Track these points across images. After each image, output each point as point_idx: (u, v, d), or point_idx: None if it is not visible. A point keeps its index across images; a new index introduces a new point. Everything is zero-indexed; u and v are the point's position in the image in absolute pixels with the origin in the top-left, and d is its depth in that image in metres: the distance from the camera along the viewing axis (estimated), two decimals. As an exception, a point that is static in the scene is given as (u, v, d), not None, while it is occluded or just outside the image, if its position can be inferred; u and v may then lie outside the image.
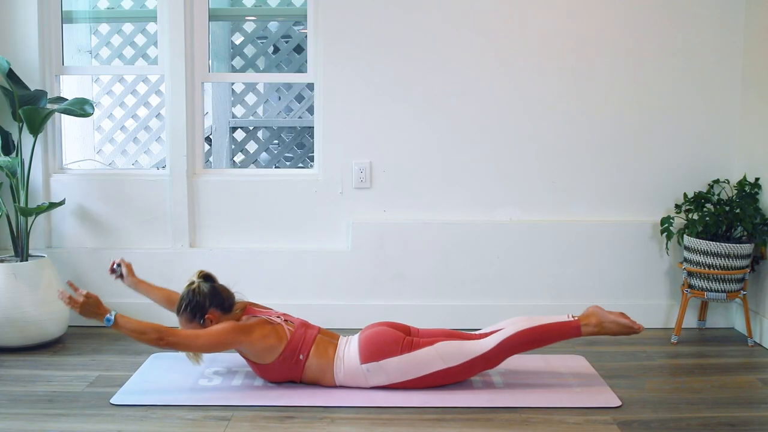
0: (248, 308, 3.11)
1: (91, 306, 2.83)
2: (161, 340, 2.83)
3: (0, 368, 3.29)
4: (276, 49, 6.25)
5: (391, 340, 2.98)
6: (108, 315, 2.81)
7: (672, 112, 3.93)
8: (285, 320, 3.07)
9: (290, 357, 2.98)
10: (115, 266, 3.33)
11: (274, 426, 2.71)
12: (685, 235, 3.73)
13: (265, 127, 6.63)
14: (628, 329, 3.04)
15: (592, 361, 3.38)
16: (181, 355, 3.12)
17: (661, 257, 3.95)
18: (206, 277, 3.07)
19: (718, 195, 3.83)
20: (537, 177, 3.95)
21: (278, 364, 2.98)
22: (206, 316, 2.97)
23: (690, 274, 3.70)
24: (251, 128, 6.51)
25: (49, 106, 3.67)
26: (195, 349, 2.92)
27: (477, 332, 3.13)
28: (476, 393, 2.98)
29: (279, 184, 3.97)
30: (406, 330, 3.11)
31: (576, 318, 3.06)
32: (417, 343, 2.99)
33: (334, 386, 3.02)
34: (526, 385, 3.06)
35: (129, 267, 3.33)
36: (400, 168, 3.94)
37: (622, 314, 3.07)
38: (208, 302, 2.99)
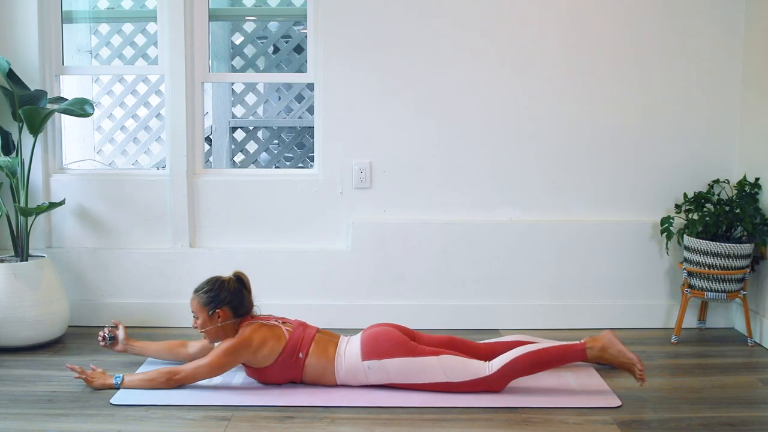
0: (245, 318, 3.10)
1: (97, 377, 3.03)
2: (170, 380, 2.97)
3: (0, 368, 3.29)
4: (276, 49, 6.25)
5: (395, 340, 2.98)
6: (116, 376, 3.02)
7: (672, 112, 3.93)
8: (283, 322, 3.08)
9: (290, 356, 2.98)
10: (107, 335, 3.34)
11: (274, 426, 2.71)
12: (685, 235, 3.73)
13: (265, 127, 6.63)
14: (629, 364, 2.94)
15: (592, 361, 3.38)
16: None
17: (661, 257, 3.95)
18: (240, 279, 3.12)
19: (718, 195, 3.83)
20: (537, 177, 3.95)
21: (278, 365, 2.99)
22: (217, 310, 3.01)
23: (690, 274, 3.70)
24: (251, 128, 6.51)
25: (49, 106, 3.67)
26: (202, 377, 2.98)
27: (481, 342, 3.16)
28: (476, 393, 2.97)
29: (279, 184, 3.97)
30: (410, 334, 3.10)
31: (584, 341, 3.02)
32: (422, 350, 2.98)
33: (335, 385, 3.02)
34: (526, 385, 3.06)
35: (123, 329, 3.36)
36: (400, 168, 3.94)
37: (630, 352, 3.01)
38: (227, 299, 3.03)
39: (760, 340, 3.70)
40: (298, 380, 3.04)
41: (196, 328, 3.07)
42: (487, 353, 3.12)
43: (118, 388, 2.99)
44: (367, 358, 2.97)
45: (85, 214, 3.97)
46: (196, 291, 3.06)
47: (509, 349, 3.02)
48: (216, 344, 3.08)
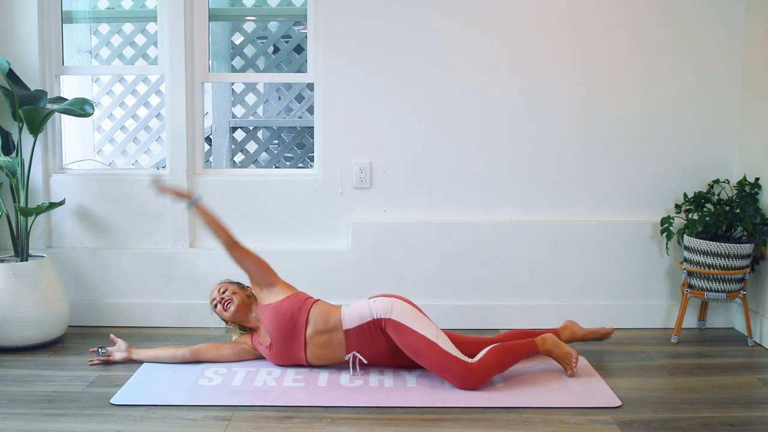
0: None
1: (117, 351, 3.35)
2: (230, 242, 3.26)
3: (0, 368, 3.29)
4: (276, 49, 6.25)
5: (401, 298, 3.21)
6: (195, 197, 3.33)
7: (672, 112, 3.93)
8: None
9: (300, 296, 3.23)
10: (99, 350, 3.40)
11: (274, 426, 2.71)
12: (685, 235, 3.73)
13: (265, 127, 6.63)
14: (567, 355, 3.19)
15: (592, 361, 3.38)
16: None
17: (661, 257, 3.95)
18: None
19: (718, 195, 3.83)
20: (537, 177, 3.95)
21: (288, 300, 3.20)
22: (246, 286, 3.40)
23: (690, 274, 3.70)
24: (251, 128, 6.51)
25: (49, 106, 3.67)
26: (252, 259, 3.27)
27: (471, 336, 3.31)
28: (476, 393, 2.98)
29: (279, 184, 3.97)
30: None
31: (533, 339, 3.23)
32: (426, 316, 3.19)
33: (340, 327, 3.14)
34: (526, 385, 3.07)
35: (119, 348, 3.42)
36: (400, 168, 3.94)
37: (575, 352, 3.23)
38: None
39: (760, 340, 3.70)
40: (304, 320, 3.15)
41: (221, 300, 3.28)
42: (477, 347, 3.21)
43: (196, 202, 3.30)
44: (373, 297, 3.20)
45: (85, 214, 3.97)
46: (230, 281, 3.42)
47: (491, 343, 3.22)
48: (229, 327, 3.41)
